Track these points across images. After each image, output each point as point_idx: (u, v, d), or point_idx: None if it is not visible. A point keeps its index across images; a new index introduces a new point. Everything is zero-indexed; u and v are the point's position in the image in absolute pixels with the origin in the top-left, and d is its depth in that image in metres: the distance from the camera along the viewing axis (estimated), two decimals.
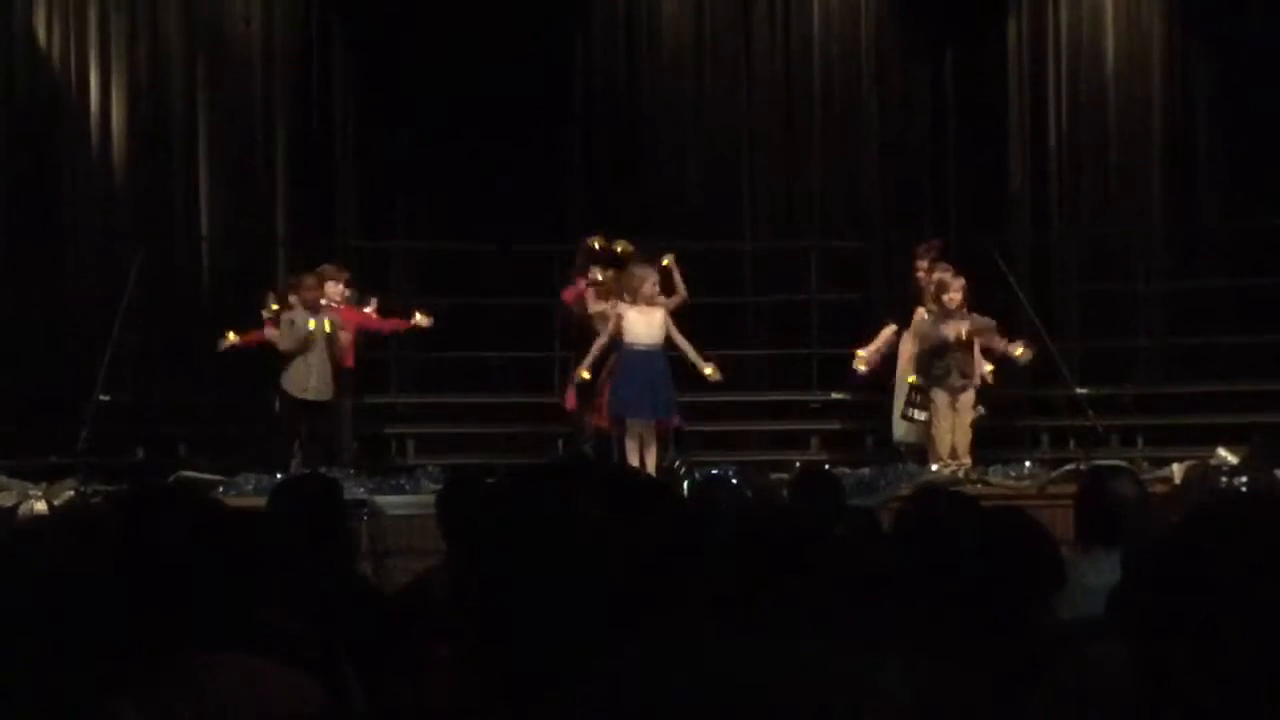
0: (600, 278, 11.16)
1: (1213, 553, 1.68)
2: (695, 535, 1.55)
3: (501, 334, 13.48)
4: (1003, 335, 11.09)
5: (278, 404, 11.03)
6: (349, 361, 11.30)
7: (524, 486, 1.68)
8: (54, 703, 2.03)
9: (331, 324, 10.89)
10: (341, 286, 11.35)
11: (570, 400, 11.35)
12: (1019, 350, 10.98)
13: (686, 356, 10.76)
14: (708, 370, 10.83)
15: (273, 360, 11.01)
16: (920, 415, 11.03)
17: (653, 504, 1.61)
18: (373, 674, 3.33)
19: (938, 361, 10.80)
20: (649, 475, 8.07)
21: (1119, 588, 3.76)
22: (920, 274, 11.49)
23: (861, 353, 11.55)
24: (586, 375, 10.90)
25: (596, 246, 11.36)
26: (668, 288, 10.95)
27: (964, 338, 10.76)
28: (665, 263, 11.06)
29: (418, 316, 11.64)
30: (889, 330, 11.61)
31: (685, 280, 11.16)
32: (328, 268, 11.29)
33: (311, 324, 10.78)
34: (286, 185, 13.67)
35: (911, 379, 11.09)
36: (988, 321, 11.01)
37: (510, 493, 1.69)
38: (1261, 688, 1.58)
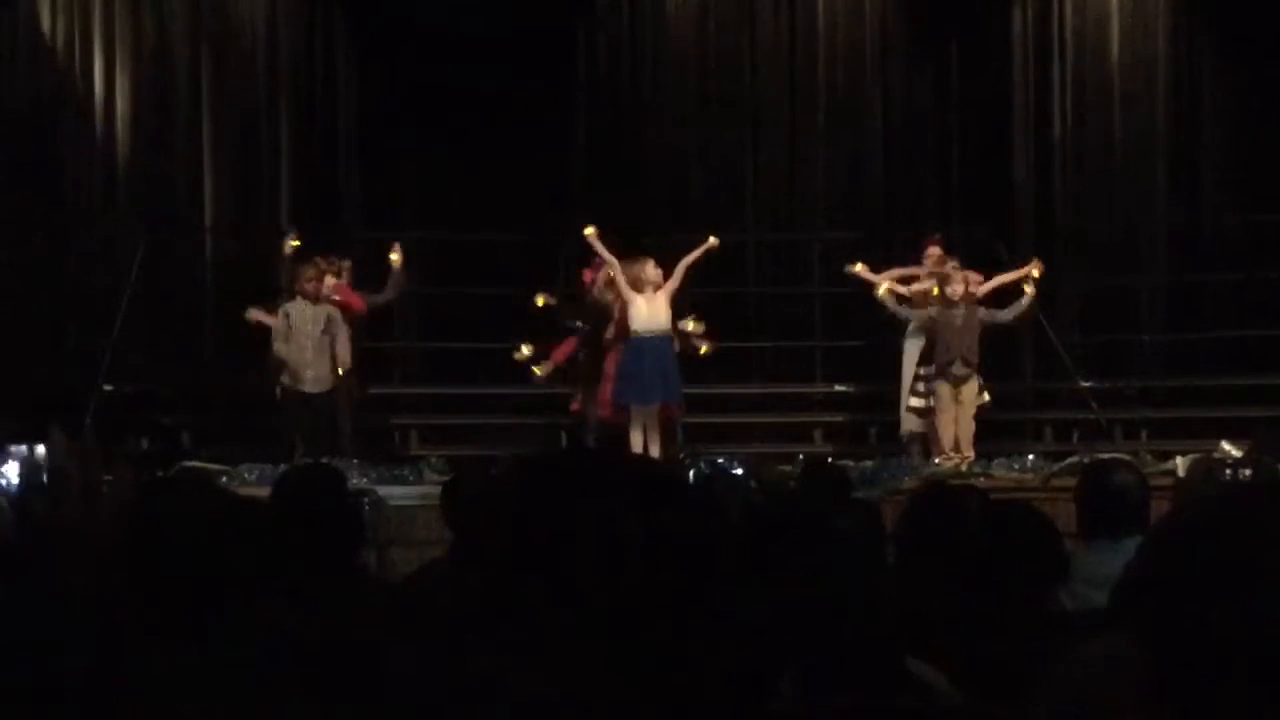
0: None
1: (1217, 545, 1.68)
2: (702, 525, 1.55)
3: (504, 325, 13.45)
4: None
5: (278, 393, 10.97)
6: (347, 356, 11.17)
7: (530, 477, 1.67)
8: (60, 695, 2.03)
9: (331, 316, 10.85)
10: (341, 278, 11.30)
11: (575, 403, 11.40)
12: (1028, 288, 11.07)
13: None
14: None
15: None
16: (918, 402, 11.02)
17: (660, 494, 1.60)
18: None
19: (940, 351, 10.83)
20: (657, 463, 8.08)
21: (1122, 579, 3.76)
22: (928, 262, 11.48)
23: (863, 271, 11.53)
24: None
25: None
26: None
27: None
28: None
29: (393, 257, 11.45)
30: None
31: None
32: (320, 260, 11.18)
33: (307, 313, 10.77)
34: (290, 175, 13.66)
35: (916, 369, 11.10)
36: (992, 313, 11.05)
37: (516, 483, 1.69)
38: (1263, 684, 1.58)
